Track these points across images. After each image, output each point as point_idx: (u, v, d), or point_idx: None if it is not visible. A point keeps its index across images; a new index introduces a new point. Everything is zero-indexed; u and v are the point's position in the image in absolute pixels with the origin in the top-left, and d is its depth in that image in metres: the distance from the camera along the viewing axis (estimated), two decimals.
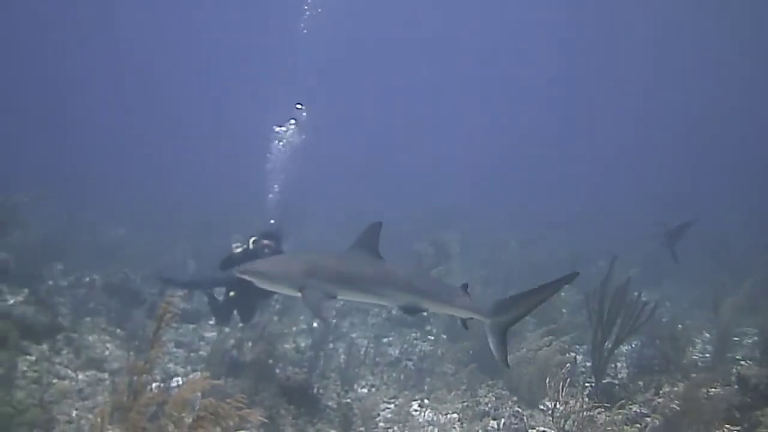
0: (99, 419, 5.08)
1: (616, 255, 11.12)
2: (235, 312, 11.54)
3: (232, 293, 11.28)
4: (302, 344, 11.76)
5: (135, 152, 46.28)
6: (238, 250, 10.89)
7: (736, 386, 9.06)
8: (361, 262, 8.10)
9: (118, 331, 11.95)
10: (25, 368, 9.55)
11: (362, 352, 11.72)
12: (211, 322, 13.48)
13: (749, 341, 13.21)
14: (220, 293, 11.58)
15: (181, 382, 9.76)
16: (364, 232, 8.23)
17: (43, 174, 26.90)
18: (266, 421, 8.11)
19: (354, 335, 13.71)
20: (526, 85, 71.21)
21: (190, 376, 10.21)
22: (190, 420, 4.64)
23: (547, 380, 8.28)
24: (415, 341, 13.45)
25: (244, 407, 4.85)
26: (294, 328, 12.26)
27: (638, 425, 8.62)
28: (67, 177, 30.29)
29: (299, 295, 7.94)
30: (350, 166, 47.04)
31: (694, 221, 16.40)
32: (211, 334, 12.83)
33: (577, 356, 11.46)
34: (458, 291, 8.30)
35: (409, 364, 11.74)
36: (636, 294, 10.15)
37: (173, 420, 4.70)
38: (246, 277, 8.14)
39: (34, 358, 10.08)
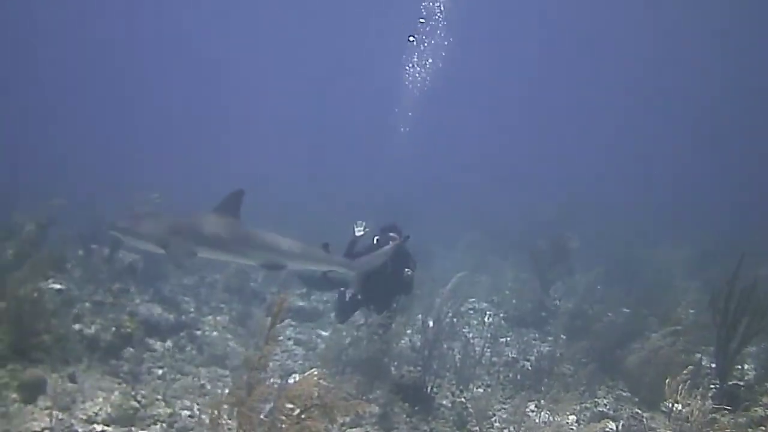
0: (216, 413, 5.22)
1: (744, 252, 10.70)
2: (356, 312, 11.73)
3: (359, 296, 11.43)
4: (418, 343, 11.74)
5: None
6: (360, 234, 11.02)
7: None
8: (221, 223, 8.80)
9: (239, 329, 12.22)
10: (150, 364, 9.90)
11: (478, 352, 11.65)
12: (328, 321, 13.67)
13: None
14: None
15: (298, 379, 9.92)
16: (227, 197, 8.95)
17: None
18: (375, 412, 8.20)
19: (470, 335, 13.63)
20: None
21: (306, 373, 10.34)
22: (299, 412, 4.68)
23: (667, 381, 7.96)
24: (533, 341, 13.29)
25: (354, 400, 4.88)
26: (410, 328, 12.26)
27: (763, 428, 8.23)
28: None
29: (163, 251, 8.63)
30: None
31: None
32: (328, 333, 12.95)
33: (703, 357, 11.03)
34: (318, 248, 9.34)
35: (527, 364, 11.57)
36: (764, 293, 9.74)
37: (285, 413, 4.77)
38: (113, 233, 8.73)
39: (158, 354, 10.44)
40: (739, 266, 10.13)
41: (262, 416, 5.02)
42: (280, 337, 11.99)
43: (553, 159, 54.31)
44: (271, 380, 9.42)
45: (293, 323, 13.58)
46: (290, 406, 4.84)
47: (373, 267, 9.84)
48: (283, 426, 4.71)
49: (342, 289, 11.98)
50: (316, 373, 9.34)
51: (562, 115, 69.42)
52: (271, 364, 10.45)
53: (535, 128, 67.69)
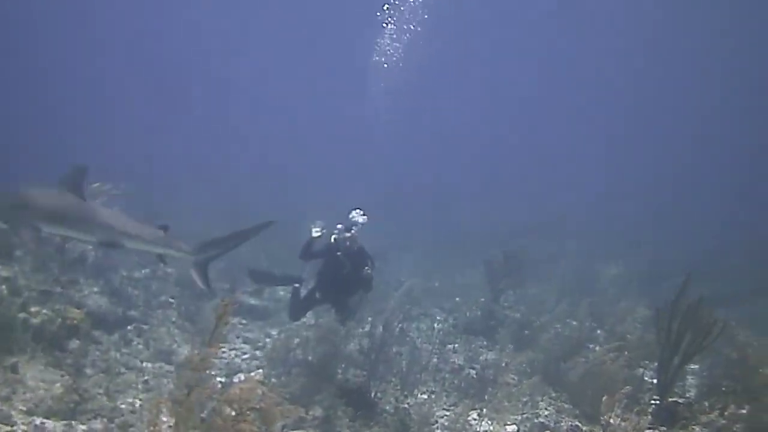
0: (153, 412, 5.23)
1: (690, 272, 10.91)
2: (309, 312, 11.80)
3: (318, 294, 11.49)
4: (366, 347, 11.80)
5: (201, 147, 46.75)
6: (317, 235, 11.10)
7: None
8: (62, 199, 8.72)
9: (188, 324, 12.18)
10: (94, 357, 9.85)
11: (425, 358, 11.74)
12: (279, 320, 13.69)
13: None
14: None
15: (243, 378, 9.93)
16: (68, 174, 8.85)
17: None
18: (306, 416, 8.24)
19: (419, 340, 13.72)
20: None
21: (249, 374, 10.36)
22: (235, 416, 4.72)
23: (605, 396, 8.09)
24: (481, 349, 13.39)
25: (288, 404, 4.94)
26: (361, 330, 12.29)
27: None
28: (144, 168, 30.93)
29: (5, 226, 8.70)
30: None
31: None
32: (277, 332, 12.94)
33: (646, 373, 11.21)
34: (159, 231, 9.38)
35: (472, 372, 11.67)
36: (707, 312, 9.94)
37: (222, 416, 4.81)
38: None
39: (104, 347, 10.38)
40: (685, 285, 10.33)
41: (201, 418, 5.05)
42: (230, 335, 12.07)
43: (534, 164, 54.41)
44: (216, 379, 9.48)
45: (244, 321, 13.58)
46: (228, 409, 4.86)
47: (215, 256, 9.79)
48: (219, 429, 4.74)
49: (296, 285, 12.04)
50: (257, 377, 9.44)
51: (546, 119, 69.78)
52: (217, 362, 10.51)
53: (523, 130, 68.01)
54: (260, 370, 10.10)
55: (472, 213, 30.95)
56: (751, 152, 53.89)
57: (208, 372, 5.36)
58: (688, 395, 10.88)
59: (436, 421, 9.39)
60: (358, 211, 11.41)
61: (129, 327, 11.27)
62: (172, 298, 13.47)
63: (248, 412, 4.79)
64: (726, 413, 9.27)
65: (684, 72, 58.95)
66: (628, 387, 8.40)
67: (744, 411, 9.10)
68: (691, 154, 57.68)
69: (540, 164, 54.25)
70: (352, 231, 11.15)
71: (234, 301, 5.44)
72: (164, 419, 5.35)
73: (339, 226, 11.33)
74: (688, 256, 22.72)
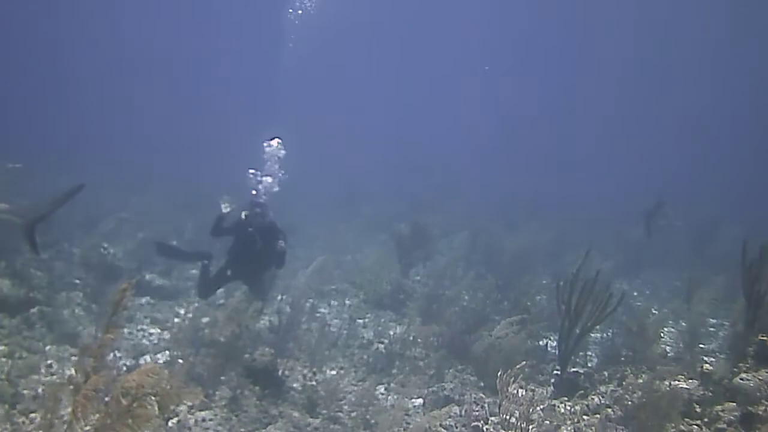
0: (53, 399, 5.19)
1: (590, 246, 11.25)
2: (221, 289, 11.76)
3: (229, 271, 11.45)
4: (276, 324, 11.80)
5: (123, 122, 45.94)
6: (227, 211, 11.07)
7: (699, 380, 9.19)
8: None
9: (94, 306, 11.98)
10: None
11: (334, 334, 11.85)
12: (188, 300, 13.60)
13: (723, 333, 13.33)
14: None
15: (149, 360, 9.87)
16: None
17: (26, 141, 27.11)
18: (205, 399, 8.26)
19: (330, 316, 13.81)
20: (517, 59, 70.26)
21: (156, 356, 10.27)
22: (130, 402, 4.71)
23: (499, 372, 8.25)
24: (390, 323, 13.52)
25: (192, 387, 4.96)
26: (271, 308, 12.30)
27: (598, 416, 8.69)
28: (50, 146, 30.23)
29: None
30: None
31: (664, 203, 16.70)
32: (186, 311, 12.82)
33: (550, 344, 11.52)
34: None
35: (381, 347, 11.81)
36: (606, 285, 10.26)
37: (119, 402, 4.79)
38: None
39: (5, 331, 10.16)
40: (585, 258, 10.66)
41: (99, 404, 5.02)
42: (138, 315, 11.94)
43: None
44: (122, 362, 9.40)
45: (152, 301, 13.42)
46: (125, 395, 4.85)
47: (44, 214, 9.42)
48: (116, 415, 4.73)
49: (205, 261, 11.97)
50: (162, 359, 9.38)
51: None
52: (124, 343, 10.41)
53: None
54: (167, 352, 10.02)
55: (384, 187, 31.05)
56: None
57: (107, 357, 5.34)
58: (589, 365, 11.21)
59: (344, 397, 9.49)
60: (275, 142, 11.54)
61: (32, 309, 11.02)
62: (78, 280, 13.21)
63: (145, 397, 4.79)
64: (624, 383, 9.62)
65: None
66: (524, 362, 8.51)
67: (641, 380, 9.45)
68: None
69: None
70: (259, 210, 11.15)
71: (132, 287, 5.38)
72: (63, 406, 5.32)
73: (253, 192, 11.37)
74: (592, 229, 23.43)
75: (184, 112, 52.96)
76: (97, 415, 4.93)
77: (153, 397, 4.83)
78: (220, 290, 12.34)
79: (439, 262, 17.31)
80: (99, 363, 5.18)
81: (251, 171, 11.85)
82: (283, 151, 12.37)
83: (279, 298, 12.11)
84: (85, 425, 4.85)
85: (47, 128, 38.41)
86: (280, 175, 12.14)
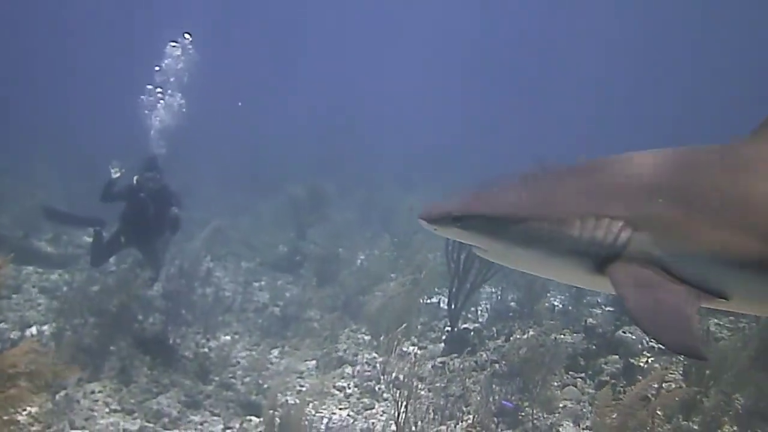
0: None
1: None
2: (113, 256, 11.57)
3: (122, 238, 11.24)
4: (168, 290, 11.68)
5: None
6: (117, 176, 10.86)
7: (583, 334, 9.52)
8: None
9: None
10: None
11: (229, 298, 11.82)
12: (78, 268, 13.34)
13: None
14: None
15: (35, 332, 9.67)
16: None
17: None
18: (82, 378, 8.18)
19: (226, 279, 13.76)
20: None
21: (36, 330, 10.03)
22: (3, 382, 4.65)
23: (390, 332, 8.41)
24: (288, 285, 13.56)
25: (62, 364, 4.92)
26: (166, 273, 12.15)
27: (486, 371, 8.93)
28: None
29: None
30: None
31: None
32: (76, 280, 12.54)
33: (443, 301, 11.71)
34: None
35: (276, 310, 11.85)
36: None
37: None
38: None
39: None
40: None
41: None
42: (25, 286, 11.64)
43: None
44: (6, 335, 9.19)
45: (39, 270, 13.07)
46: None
47: None
48: None
49: (97, 228, 11.72)
50: (48, 331, 9.20)
51: None
52: (11, 314, 10.16)
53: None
54: (54, 323, 9.81)
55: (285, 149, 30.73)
56: None
57: None
58: (480, 321, 11.47)
59: (238, 362, 9.51)
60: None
61: None
62: None
63: (18, 377, 4.72)
64: (511, 338, 9.91)
65: None
66: (410, 322, 8.68)
67: (527, 336, 9.75)
68: None
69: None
70: (150, 174, 11.00)
71: (6, 264, 5.27)
72: None
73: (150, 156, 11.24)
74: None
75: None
76: None
77: (28, 377, 4.76)
78: (113, 257, 12.13)
79: (336, 223, 17.38)
80: None
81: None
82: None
83: (172, 263, 11.94)
84: None
85: None
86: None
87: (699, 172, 3.07)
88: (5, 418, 4.67)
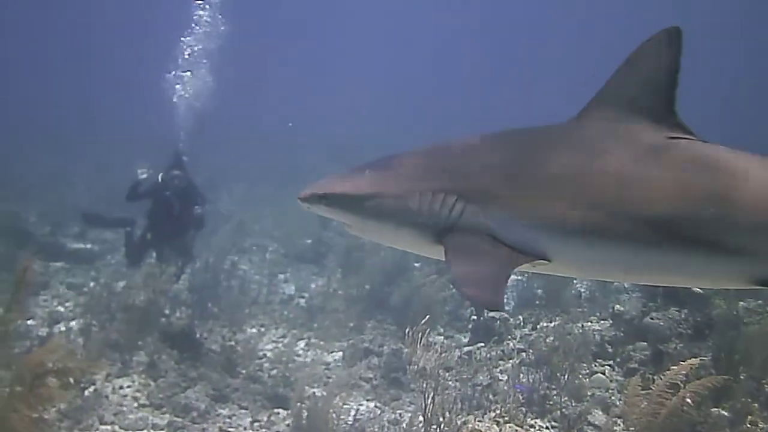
0: None
1: None
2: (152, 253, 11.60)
3: (149, 235, 11.29)
4: (194, 284, 11.70)
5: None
6: (144, 176, 10.90)
7: (611, 321, 9.45)
8: None
9: (5, 274, 11.69)
10: None
11: (255, 290, 11.85)
12: (104, 263, 13.45)
13: None
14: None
15: (63, 328, 9.73)
16: None
17: None
18: (110, 373, 8.23)
19: (252, 272, 13.78)
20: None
21: (64, 326, 10.09)
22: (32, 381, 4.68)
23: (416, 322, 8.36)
24: (312, 276, 13.58)
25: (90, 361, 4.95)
26: (193, 268, 12.18)
27: (513, 360, 8.90)
28: None
29: None
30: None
31: None
32: (103, 276, 12.61)
33: None
34: None
35: (302, 301, 11.87)
36: None
37: (22, 382, 4.75)
38: None
39: None
40: None
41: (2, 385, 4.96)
42: (53, 281, 11.72)
43: None
44: (34, 332, 9.25)
45: (67, 266, 13.18)
46: (27, 375, 4.80)
47: None
48: (19, 396, 4.69)
49: (128, 228, 11.78)
50: (77, 327, 9.26)
51: None
52: (39, 311, 10.24)
53: None
54: (81, 319, 9.87)
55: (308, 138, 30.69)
56: None
57: (16, 330, 5.26)
58: (506, 309, 11.40)
59: (264, 355, 9.53)
60: None
61: None
62: None
63: (46, 375, 4.75)
64: (538, 327, 9.88)
65: None
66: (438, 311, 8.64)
67: (554, 324, 9.70)
68: None
69: None
70: (176, 171, 11.03)
71: (32, 265, 5.28)
72: None
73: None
74: None
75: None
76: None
77: (56, 375, 4.79)
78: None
79: None
80: (4, 343, 5.12)
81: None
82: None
83: (198, 257, 12.00)
84: None
85: None
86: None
87: (525, 149, 3.43)
88: (35, 416, 4.70)
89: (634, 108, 3.30)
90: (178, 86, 13.89)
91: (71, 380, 4.87)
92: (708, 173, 3.06)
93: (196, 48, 15.21)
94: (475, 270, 3.18)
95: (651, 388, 6.17)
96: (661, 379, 6.19)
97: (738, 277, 3.10)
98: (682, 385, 6.12)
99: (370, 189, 3.60)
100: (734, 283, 3.30)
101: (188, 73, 14.45)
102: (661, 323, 8.63)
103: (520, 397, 7.59)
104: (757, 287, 3.04)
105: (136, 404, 7.88)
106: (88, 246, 14.30)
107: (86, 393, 7.65)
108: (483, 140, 3.57)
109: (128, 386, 8.21)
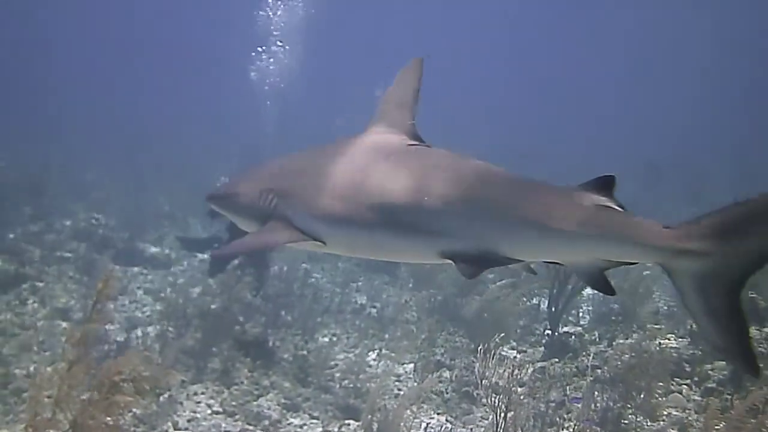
0: (39, 382, 5.21)
1: None
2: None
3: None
4: (270, 292, 11.78)
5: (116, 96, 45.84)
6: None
7: (689, 338, 9.22)
8: None
9: (86, 279, 11.98)
10: None
11: (327, 299, 11.88)
12: (181, 269, 13.66)
13: None
14: None
15: (140, 333, 9.87)
16: None
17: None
18: (185, 380, 8.31)
19: (324, 280, 13.84)
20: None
21: (141, 332, 10.23)
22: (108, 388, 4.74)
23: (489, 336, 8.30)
24: (385, 286, 13.57)
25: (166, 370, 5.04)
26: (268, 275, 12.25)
27: (589, 377, 8.74)
28: (40, 121, 30.15)
29: None
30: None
31: None
32: (181, 281, 12.79)
33: (544, 303, 11.46)
34: None
35: (373, 311, 11.86)
36: None
37: (98, 390, 4.81)
38: None
39: None
40: None
41: (82, 392, 5.03)
42: (131, 286, 11.94)
43: None
44: (112, 338, 9.42)
45: (145, 271, 13.44)
46: (105, 382, 4.86)
47: None
48: (95, 403, 4.75)
49: (216, 245, 11.94)
50: (154, 332, 9.39)
51: None
52: (117, 316, 10.43)
53: None
54: (157, 325, 10.01)
55: None
56: None
57: (95, 339, 5.33)
58: (582, 324, 11.25)
59: (336, 365, 9.54)
60: None
61: (24, 285, 11.05)
62: (69, 252, 13.22)
63: (122, 384, 4.80)
64: (614, 343, 9.68)
65: None
66: (512, 325, 8.55)
67: (630, 341, 9.51)
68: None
69: None
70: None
71: (112, 276, 5.35)
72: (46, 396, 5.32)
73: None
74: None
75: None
76: (77, 406, 4.95)
77: (131, 383, 4.84)
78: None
79: None
80: (83, 351, 5.18)
81: None
82: None
83: (273, 266, 12.08)
84: (68, 414, 4.87)
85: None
86: None
87: (315, 158, 4.32)
88: (110, 423, 4.76)
89: (391, 122, 4.20)
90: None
91: (147, 387, 4.92)
92: (425, 170, 3.83)
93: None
94: (245, 240, 4.42)
95: (729, 411, 6.00)
96: (740, 401, 6.01)
97: (433, 253, 3.73)
98: (761, 407, 5.94)
99: (232, 190, 4.61)
100: (429, 259, 3.86)
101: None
102: None
103: (595, 417, 7.48)
104: (446, 261, 3.68)
105: (209, 411, 7.97)
106: (166, 251, 14.55)
107: (161, 399, 7.76)
108: (301, 151, 4.64)
109: (202, 393, 8.31)
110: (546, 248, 3.64)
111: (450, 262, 3.67)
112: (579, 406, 7.81)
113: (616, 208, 3.42)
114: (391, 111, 4.23)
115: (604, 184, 3.46)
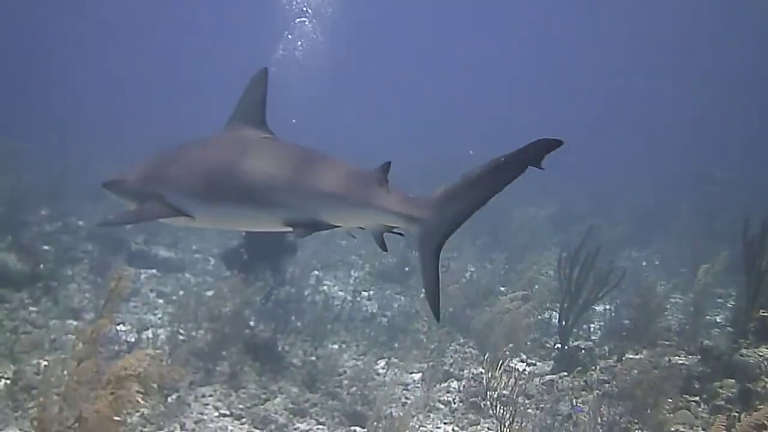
0: (49, 379, 5.27)
1: (592, 224, 11.28)
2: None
3: (246, 256, 11.37)
4: (281, 297, 11.79)
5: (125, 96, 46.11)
6: None
7: (699, 356, 9.18)
8: None
9: (99, 279, 12.05)
10: (1, 317, 9.76)
11: (338, 307, 11.90)
12: (194, 272, 13.73)
13: (731, 305, 13.11)
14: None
15: (151, 335, 9.92)
16: None
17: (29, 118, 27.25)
18: (193, 381, 8.35)
19: (335, 288, 13.88)
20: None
21: (152, 333, 10.27)
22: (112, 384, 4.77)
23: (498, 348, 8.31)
24: (396, 295, 13.57)
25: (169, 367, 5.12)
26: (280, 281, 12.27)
27: (597, 392, 8.72)
28: (55, 121, 30.33)
29: None
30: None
31: None
32: (193, 284, 12.84)
33: (555, 317, 11.45)
34: None
35: (384, 320, 11.87)
36: (608, 261, 10.30)
37: (103, 386, 4.85)
38: None
39: (11, 305, 10.28)
40: (588, 235, 10.69)
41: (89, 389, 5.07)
42: (143, 289, 12.01)
43: None
44: (123, 338, 9.47)
45: (158, 274, 13.51)
46: (113, 380, 4.90)
47: None
48: (101, 397, 4.79)
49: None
50: (165, 334, 9.44)
51: None
52: (129, 317, 10.49)
53: None
54: (168, 327, 10.05)
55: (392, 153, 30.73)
56: None
57: (106, 337, 5.38)
58: (592, 338, 11.23)
59: (344, 371, 9.54)
60: None
61: (38, 284, 11.13)
62: (84, 253, 13.32)
63: (125, 380, 4.84)
64: (623, 358, 9.66)
65: None
66: (521, 338, 8.56)
67: (640, 356, 9.49)
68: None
69: None
70: None
71: (127, 276, 5.42)
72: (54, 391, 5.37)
73: None
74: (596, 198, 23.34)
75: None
76: (84, 403, 4.98)
77: (138, 379, 4.88)
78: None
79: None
80: (93, 348, 5.22)
81: None
82: None
83: (285, 271, 12.11)
84: (75, 410, 4.92)
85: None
86: None
87: (189, 148, 5.08)
88: (116, 418, 4.79)
89: (246, 119, 5.02)
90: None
91: (154, 386, 4.96)
92: (272, 157, 4.68)
93: None
94: (126, 213, 5.27)
95: (735, 428, 5.98)
96: (746, 418, 5.99)
97: (277, 222, 4.56)
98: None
99: (121, 177, 5.19)
100: (275, 227, 4.66)
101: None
102: (751, 360, 8.34)
103: (600, 429, 7.47)
104: (287, 228, 4.52)
105: (216, 413, 7.98)
106: (180, 255, 14.62)
107: (169, 399, 7.79)
108: (184, 142, 5.18)
109: (210, 395, 8.33)
110: (344, 215, 4.51)
111: (290, 229, 4.53)
112: (583, 415, 7.80)
113: (387, 186, 4.34)
114: (247, 111, 5.04)
115: (386, 167, 4.37)
